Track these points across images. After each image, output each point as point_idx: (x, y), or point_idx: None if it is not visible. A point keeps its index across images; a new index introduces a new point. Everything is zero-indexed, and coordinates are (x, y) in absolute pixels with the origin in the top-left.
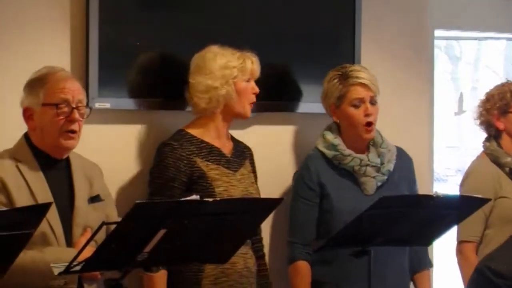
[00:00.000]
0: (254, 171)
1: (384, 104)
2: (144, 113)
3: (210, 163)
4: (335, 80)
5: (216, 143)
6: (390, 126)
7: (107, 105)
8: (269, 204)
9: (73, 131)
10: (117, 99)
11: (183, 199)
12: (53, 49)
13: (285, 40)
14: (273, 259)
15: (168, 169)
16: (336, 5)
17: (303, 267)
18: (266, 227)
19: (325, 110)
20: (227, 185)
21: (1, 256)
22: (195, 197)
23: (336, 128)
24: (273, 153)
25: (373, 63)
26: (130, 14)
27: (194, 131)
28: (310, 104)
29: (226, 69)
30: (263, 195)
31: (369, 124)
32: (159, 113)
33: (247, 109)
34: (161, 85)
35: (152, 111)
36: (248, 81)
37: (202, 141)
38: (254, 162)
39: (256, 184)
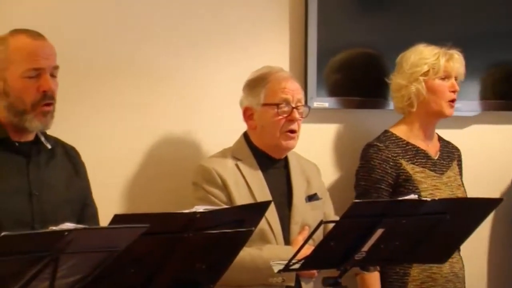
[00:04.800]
0: (461, 173)
1: None
2: (359, 112)
3: (415, 166)
4: None
5: (421, 145)
6: None
7: (325, 105)
8: (488, 205)
9: (293, 131)
10: (335, 99)
11: (401, 198)
12: (272, 50)
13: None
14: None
15: (375, 170)
16: None
17: None
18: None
19: None
20: (433, 188)
21: (225, 252)
22: (413, 196)
23: None
24: (495, 153)
25: None
26: (348, 15)
27: (399, 132)
28: None
29: (416, 67)
30: (482, 195)
31: None
32: (375, 112)
33: (445, 107)
34: (378, 85)
35: (369, 110)
36: (443, 79)
37: (408, 143)
38: (462, 163)
39: (463, 186)
